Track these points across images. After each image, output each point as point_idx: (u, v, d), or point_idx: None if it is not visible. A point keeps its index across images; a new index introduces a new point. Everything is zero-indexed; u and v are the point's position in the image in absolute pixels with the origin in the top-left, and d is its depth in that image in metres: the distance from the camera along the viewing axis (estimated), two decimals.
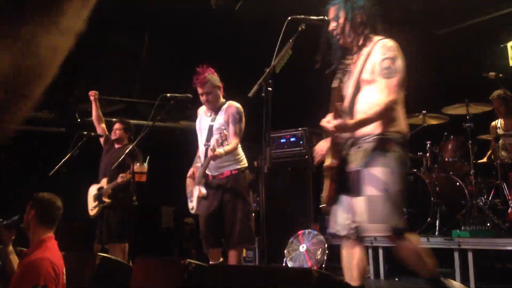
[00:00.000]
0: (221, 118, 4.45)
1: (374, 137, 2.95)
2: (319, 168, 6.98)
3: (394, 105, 2.89)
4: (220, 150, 4.11)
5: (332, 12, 3.16)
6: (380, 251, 5.83)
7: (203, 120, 4.63)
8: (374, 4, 3.14)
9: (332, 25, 3.15)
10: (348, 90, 3.13)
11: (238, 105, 4.49)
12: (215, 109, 4.55)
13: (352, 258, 3.06)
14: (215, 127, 4.45)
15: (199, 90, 4.49)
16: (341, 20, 3.10)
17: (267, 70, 3.03)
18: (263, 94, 3.04)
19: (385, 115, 2.90)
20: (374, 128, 2.95)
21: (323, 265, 5.61)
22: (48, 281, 3.18)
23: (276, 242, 6.22)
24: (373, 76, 2.97)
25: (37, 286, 3.10)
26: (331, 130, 2.92)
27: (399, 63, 2.94)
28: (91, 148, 6.71)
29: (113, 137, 5.93)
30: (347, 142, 3.09)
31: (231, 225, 4.32)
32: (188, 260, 2.98)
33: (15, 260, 3.92)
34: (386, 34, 3.11)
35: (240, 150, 4.49)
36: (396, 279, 5.51)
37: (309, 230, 6.09)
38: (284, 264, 5.85)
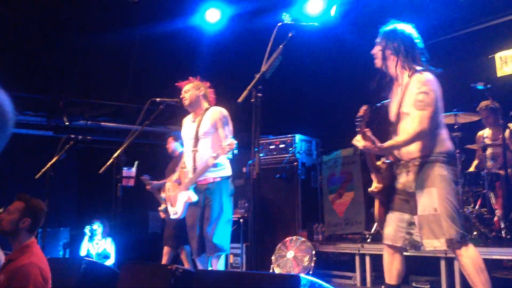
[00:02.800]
0: (207, 123, 4.48)
1: (421, 160, 3.27)
2: (308, 175, 7.01)
3: (422, 134, 3.19)
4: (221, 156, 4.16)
5: (378, 38, 3.50)
6: (367, 259, 5.84)
7: (188, 127, 4.68)
8: (416, 38, 3.44)
9: (375, 48, 3.48)
10: (392, 117, 3.46)
11: (222, 109, 4.58)
12: (194, 110, 4.66)
13: (392, 262, 3.47)
14: (201, 132, 4.48)
15: (181, 93, 4.67)
16: (382, 45, 3.42)
17: (257, 76, 3.04)
18: (252, 100, 3.04)
19: (413, 142, 3.23)
20: (420, 152, 3.27)
21: (311, 272, 5.61)
22: None
23: (264, 248, 6.20)
24: (410, 109, 3.27)
25: None
26: (360, 148, 3.25)
27: (432, 96, 3.21)
28: (78, 152, 6.69)
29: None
30: (397, 165, 3.43)
31: (207, 232, 4.30)
32: (175, 265, 2.96)
33: (1, 257, 3.87)
34: (427, 65, 3.37)
35: (225, 159, 4.47)
36: (383, 287, 5.51)
37: (296, 236, 6.08)
38: (271, 271, 5.83)
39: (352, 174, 6.81)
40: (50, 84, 7.22)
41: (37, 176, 5.29)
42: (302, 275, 2.29)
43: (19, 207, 3.37)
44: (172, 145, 6.19)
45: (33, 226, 3.41)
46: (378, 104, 5.07)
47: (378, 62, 3.47)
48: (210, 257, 4.32)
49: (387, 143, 3.24)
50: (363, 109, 3.11)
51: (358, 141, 3.22)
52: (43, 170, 5.30)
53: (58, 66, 7.10)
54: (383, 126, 3.42)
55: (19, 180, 6.33)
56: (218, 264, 4.30)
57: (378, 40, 3.48)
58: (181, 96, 4.64)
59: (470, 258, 3.12)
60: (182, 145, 6.00)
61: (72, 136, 5.59)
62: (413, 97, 3.24)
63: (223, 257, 4.37)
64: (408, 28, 3.46)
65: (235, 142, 4.12)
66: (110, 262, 6.34)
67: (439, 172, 3.19)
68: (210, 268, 4.33)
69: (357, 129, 3.15)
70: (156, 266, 3.59)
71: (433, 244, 3.17)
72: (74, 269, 3.84)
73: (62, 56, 7.12)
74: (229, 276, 2.85)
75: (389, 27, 3.47)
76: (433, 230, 3.16)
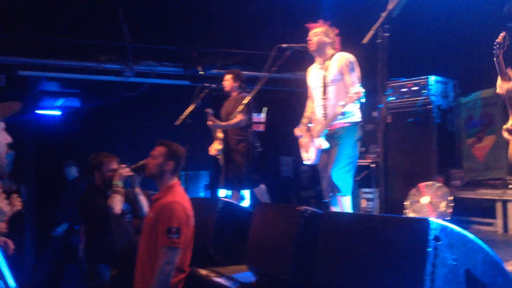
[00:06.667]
0: (334, 69, 4.43)
1: None
2: (443, 119, 6.66)
3: None
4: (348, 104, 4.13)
5: None
6: (510, 205, 5.52)
7: (315, 74, 4.65)
8: None
9: None
10: None
11: (349, 55, 4.46)
12: (319, 55, 4.58)
13: None
14: (329, 79, 4.45)
15: (309, 35, 4.56)
16: None
17: (383, 15, 2.92)
18: (378, 40, 2.95)
19: None
20: None
21: (448, 218, 5.44)
22: (181, 223, 3.44)
23: (397, 193, 6.12)
24: None
25: (171, 228, 3.38)
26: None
27: None
28: (214, 100, 7.01)
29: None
30: None
31: (330, 173, 4.35)
32: (304, 206, 3.06)
33: (143, 200, 4.30)
34: None
35: (353, 105, 4.40)
36: None
37: (432, 182, 5.89)
38: (405, 216, 5.76)
39: (493, 117, 6.36)
40: (185, 36, 7.58)
41: (176, 123, 5.67)
42: (432, 219, 2.24)
43: (162, 152, 3.69)
44: (230, 83, 5.94)
45: (176, 169, 3.73)
46: None
47: None
48: (335, 196, 4.39)
49: None
50: (501, 35, 2.84)
51: (500, 87, 3.00)
52: (181, 118, 5.67)
53: (190, 18, 7.41)
54: None
55: (161, 127, 6.83)
56: (345, 205, 4.35)
57: None
58: (307, 39, 4.58)
59: None
60: (240, 87, 5.94)
61: (206, 84, 5.89)
62: None
63: (349, 199, 4.40)
64: None
65: (363, 90, 4.04)
66: (245, 203, 6.69)
67: None
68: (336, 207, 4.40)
69: (494, 58, 2.91)
70: (286, 206, 3.75)
71: None
72: (213, 208, 4.15)
73: (194, 8, 7.41)
74: (356, 218, 2.88)
75: None
76: None
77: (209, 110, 5.72)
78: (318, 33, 4.55)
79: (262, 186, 6.04)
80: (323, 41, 4.54)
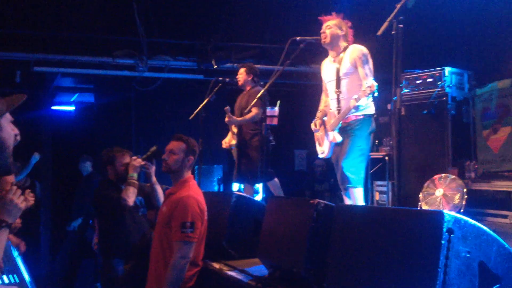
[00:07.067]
0: (347, 62, 4.40)
1: None
2: (458, 110, 6.60)
3: None
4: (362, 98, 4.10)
5: None
6: None
7: (328, 67, 4.63)
8: None
9: None
10: None
11: (362, 47, 4.42)
12: (332, 48, 4.56)
13: None
14: (342, 72, 4.42)
15: (322, 28, 4.54)
16: None
17: (398, 6, 2.90)
18: (393, 32, 2.93)
19: None
20: None
21: (462, 210, 5.39)
22: (195, 218, 3.46)
23: (411, 186, 6.08)
24: None
25: (185, 222, 3.40)
26: None
27: None
28: (228, 93, 7.02)
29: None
30: None
31: (341, 165, 4.34)
32: (317, 200, 3.05)
33: (160, 191, 4.32)
34: None
35: (367, 98, 4.37)
36: None
37: (446, 174, 5.84)
38: (418, 208, 5.72)
39: (509, 108, 6.27)
40: (199, 30, 7.59)
41: (190, 117, 5.69)
42: (446, 211, 2.22)
43: (182, 147, 3.68)
44: (243, 77, 5.90)
45: (193, 164, 3.75)
46: None
47: None
48: (347, 188, 4.38)
49: None
50: None
51: None
52: (195, 112, 5.68)
53: (205, 12, 7.42)
54: None
55: (175, 121, 6.85)
56: (356, 197, 4.34)
57: None
58: (321, 31, 4.56)
59: None
60: (254, 81, 5.92)
61: (220, 78, 5.89)
62: None
63: (361, 191, 4.38)
64: None
65: (376, 84, 4.00)
66: (258, 197, 6.70)
67: None
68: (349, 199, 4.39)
69: None
70: (299, 200, 3.73)
71: None
72: (226, 202, 4.16)
73: (208, 2, 7.42)
74: (369, 211, 2.87)
75: None
76: None
77: (227, 108, 5.74)
78: (331, 25, 4.52)
79: (276, 180, 6.04)
80: (336, 33, 4.51)
